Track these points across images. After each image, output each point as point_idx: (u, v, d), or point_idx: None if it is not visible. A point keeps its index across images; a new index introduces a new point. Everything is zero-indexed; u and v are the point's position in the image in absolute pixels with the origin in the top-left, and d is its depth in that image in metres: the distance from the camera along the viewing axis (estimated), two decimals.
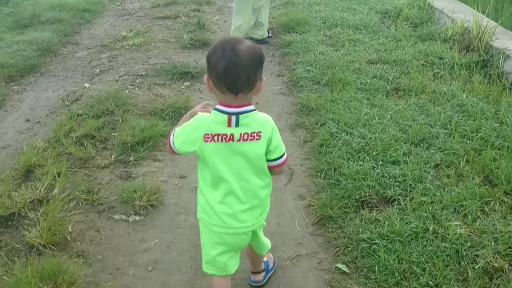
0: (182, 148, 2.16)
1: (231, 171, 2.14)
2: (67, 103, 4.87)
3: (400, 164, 3.56)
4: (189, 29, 6.82)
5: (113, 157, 3.87)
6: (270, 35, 6.45)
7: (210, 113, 2.11)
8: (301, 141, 4.09)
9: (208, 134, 2.08)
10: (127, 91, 5.00)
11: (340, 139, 3.90)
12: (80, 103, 4.81)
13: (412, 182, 3.37)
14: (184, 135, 2.14)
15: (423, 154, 3.69)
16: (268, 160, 2.21)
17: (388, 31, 6.38)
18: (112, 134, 4.20)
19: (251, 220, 2.24)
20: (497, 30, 5.63)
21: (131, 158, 3.86)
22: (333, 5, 7.57)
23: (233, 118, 2.06)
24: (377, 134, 3.91)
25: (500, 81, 4.89)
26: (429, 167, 3.55)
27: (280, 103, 4.83)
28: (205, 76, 2.11)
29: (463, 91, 4.70)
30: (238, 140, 2.09)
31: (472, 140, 3.86)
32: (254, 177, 2.19)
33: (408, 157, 3.65)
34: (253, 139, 2.11)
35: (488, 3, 6.96)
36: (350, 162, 3.61)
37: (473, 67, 5.23)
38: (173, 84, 5.21)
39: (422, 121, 4.14)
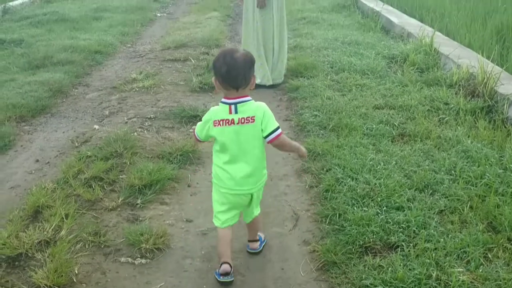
0: (202, 136, 2.99)
1: (232, 148, 2.91)
2: (76, 144, 4.94)
3: (404, 210, 3.58)
4: (198, 72, 6.93)
5: (120, 199, 3.91)
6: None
7: None
8: (307, 186, 4.12)
9: (216, 121, 2.87)
10: (135, 133, 5.08)
11: (345, 185, 3.93)
12: (89, 145, 4.88)
13: (416, 228, 3.39)
14: (201, 127, 2.96)
15: (428, 200, 3.71)
16: (266, 137, 2.92)
17: (394, 76, 6.47)
18: (120, 176, 4.25)
19: (248, 186, 3.00)
20: (502, 76, 5.70)
21: (139, 201, 3.90)
22: (341, 49, 7.68)
23: (233, 107, 2.84)
24: (382, 180, 3.94)
25: (505, 127, 4.93)
26: (433, 213, 3.57)
27: None
28: (213, 78, 2.91)
29: (468, 136, 4.74)
30: (237, 123, 2.86)
31: (476, 186, 3.88)
32: (250, 152, 2.94)
33: (413, 203, 3.67)
34: (248, 122, 2.87)
35: (493, 48, 7.05)
36: (355, 208, 3.63)
37: (478, 112, 5.27)
38: (181, 128, 5.28)
39: (427, 167, 4.18)
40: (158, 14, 12.33)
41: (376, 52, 7.48)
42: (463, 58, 6.61)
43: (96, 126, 5.35)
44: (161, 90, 6.39)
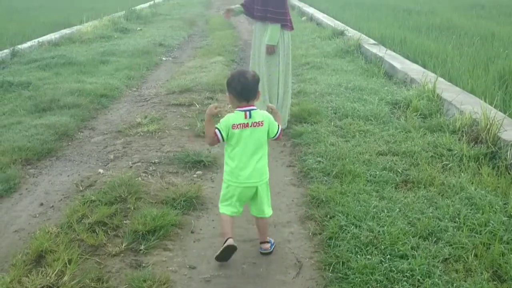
0: (225, 137, 3.67)
1: (243, 148, 3.69)
2: (81, 188, 4.96)
3: (408, 259, 3.57)
4: (203, 117, 6.96)
5: (124, 245, 3.91)
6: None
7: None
8: (310, 234, 4.12)
9: (234, 125, 3.65)
10: (140, 178, 5.10)
11: (349, 232, 3.93)
12: (94, 189, 4.90)
13: (420, 277, 3.38)
14: (223, 131, 3.66)
15: (432, 248, 3.71)
16: (271, 137, 3.81)
17: (398, 122, 6.51)
18: (124, 221, 4.26)
19: (254, 179, 3.73)
20: (504, 122, 5.75)
21: (142, 247, 3.90)
22: (344, 95, 7.75)
23: (247, 113, 3.67)
24: (386, 227, 3.94)
25: (509, 173, 4.95)
26: (438, 262, 3.57)
27: (290, 194, 4.90)
28: (226, 95, 3.82)
29: (472, 183, 4.75)
30: (251, 126, 3.68)
31: (480, 234, 3.88)
32: (258, 150, 3.73)
33: (417, 251, 3.67)
34: (258, 126, 3.70)
35: (496, 94, 7.12)
36: (358, 255, 3.63)
37: (482, 159, 5.30)
38: (185, 173, 5.31)
39: (430, 214, 4.18)
40: (164, 58, 12.46)
41: (380, 97, 7.55)
42: (466, 104, 6.66)
43: (101, 170, 5.38)
44: (166, 135, 6.44)
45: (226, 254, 3.70)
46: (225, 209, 3.81)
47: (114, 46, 13.57)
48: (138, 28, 18.03)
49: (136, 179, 5.05)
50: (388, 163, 5.24)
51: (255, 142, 3.71)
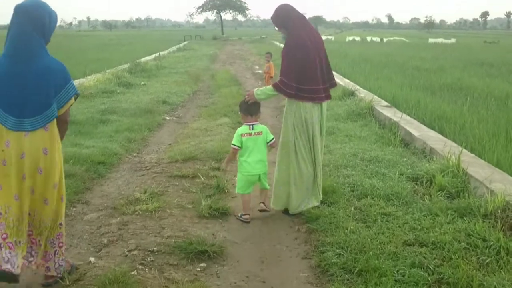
0: (239, 144, 5.68)
1: (250, 150, 5.67)
2: (67, 283, 4.31)
3: None
4: (208, 193, 6.39)
5: None
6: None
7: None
8: None
9: (243, 134, 5.64)
10: (135, 271, 4.46)
11: None
12: (82, 285, 4.26)
13: None
14: (236, 140, 5.69)
15: None
16: (267, 142, 5.80)
17: (422, 203, 5.91)
18: None
19: (259, 170, 5.72)
20: None
21: None
22: (360, 168, 7.17)
23: (251, 126, 5.70)
24: None
25: None
26: None
27: None
28: (240, 114, 5.98)
29: None
30: (253, 135, 5.68)
31: None
32: (259, 152, 5.69)
33: None
34: (259, 135, 5.71)
35: None
36: None
37: None
38: (187, 265, 4.66)
39: None
40: (167, 118, 11.97)
41: (399, 171, 6.96)
42: (495, 182, 6.09)
43: (92, 259, 4.74)
44: (167, 214, 5.80)
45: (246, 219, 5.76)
46: (242, 190, 5.82)
47: (116, 103, 13.16)
48: (142, 83, 17.69)
49: (131, 273, 4.40)
50: (417, 256, 4.60)
51: (258, 146, 5.72)
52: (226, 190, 6.55)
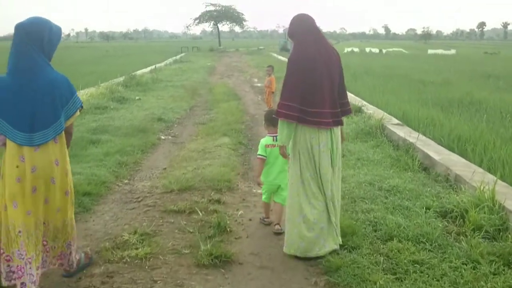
0: (264, 154, 5.76)
1: (272, 160, 5.72)
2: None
3: None
4: (207, 233, 5.50)
5: None
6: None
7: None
8: None
9: (267, 145, 5.75)
10: None
11: None
12: None
13: None
14: (262, 151, 5.77)
15: None
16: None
17: (458, 246, 5.05)
18: None
19: (279, 180, 5.74)
20: None
21: None
22: (380, 200, 6.31)
23: (274, 137, 5.61)
24: None
25: None
26: None
27: None
28: (264, 124, 6.07)
29: None
30: (276, 146, 5.50)
31: None
32: (281, 162, 5.64)
33: None
34: None
35: None
36: None
37: None
38: None
39: None
40: (162, 137, 11.10)
41: (425, 205, 6.09)
42: None
43: None
44: (159, 262, 4.88)
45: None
46: (265, 197, 5.94)
47: (108, 120, 12.34)
48: (137, 98, 16.89)
49: None
50: None
51: (279, 157, 5.35)
52: (229, 229, 5.64)
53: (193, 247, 5.21)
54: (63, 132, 4.14)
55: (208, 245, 5.10)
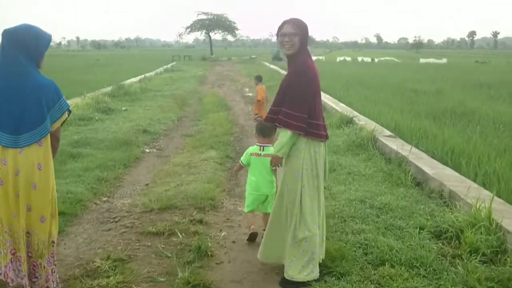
0: (245, 162, 5.78)
1: (259, 170, 5.67)
2: None
3: None
4: (186, 258, 5.11)
5: None
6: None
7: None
8: None
9: (252, 153, 5.71)
10: None
11: None
12: None
13: None
14: (245, 158, 5.80)
15: None
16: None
17: (454, 271, 4.72)
18: None
19: (265, 190, 5.67)
20: None
21: None
22: (371, 219, 5.96)
23: (262, 147, 5.68)
24: None
25: None
26: None
27: None
28: (254, 133, 5.91)
29: None
30: (262, 156, 5.62)
31: None
32: (267, 173, 5.65)
33: None
34: (267, 157, 5.35)
35: None
36: None
37: None
38: None
39: None
40: (147, 150, 10.72)
41: (419, 224, 5.76)
42: None
43: None
44: None
45: (252, 237, 5.66)
46: (248, 208, 5.79)
47: (91, 132, 11.97)
48: (124, 108, 16.51)
49: None
50: None
51: (265, 167, 5.58)
52: (210, 253, 5.25)
53: (170, 274, 4.83)
54: (48, 135, 4.09)
55: (186, 272, 4.72)
